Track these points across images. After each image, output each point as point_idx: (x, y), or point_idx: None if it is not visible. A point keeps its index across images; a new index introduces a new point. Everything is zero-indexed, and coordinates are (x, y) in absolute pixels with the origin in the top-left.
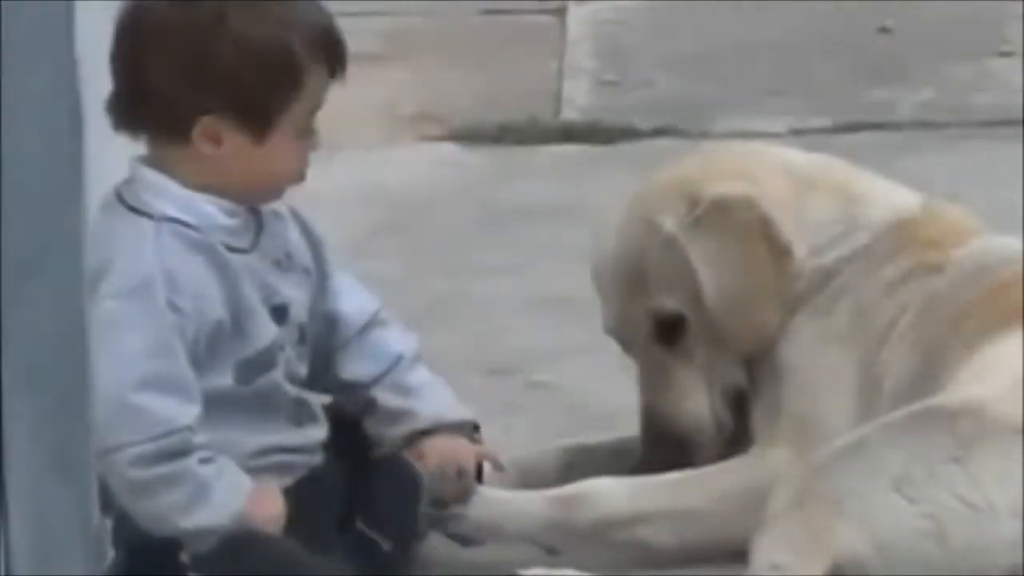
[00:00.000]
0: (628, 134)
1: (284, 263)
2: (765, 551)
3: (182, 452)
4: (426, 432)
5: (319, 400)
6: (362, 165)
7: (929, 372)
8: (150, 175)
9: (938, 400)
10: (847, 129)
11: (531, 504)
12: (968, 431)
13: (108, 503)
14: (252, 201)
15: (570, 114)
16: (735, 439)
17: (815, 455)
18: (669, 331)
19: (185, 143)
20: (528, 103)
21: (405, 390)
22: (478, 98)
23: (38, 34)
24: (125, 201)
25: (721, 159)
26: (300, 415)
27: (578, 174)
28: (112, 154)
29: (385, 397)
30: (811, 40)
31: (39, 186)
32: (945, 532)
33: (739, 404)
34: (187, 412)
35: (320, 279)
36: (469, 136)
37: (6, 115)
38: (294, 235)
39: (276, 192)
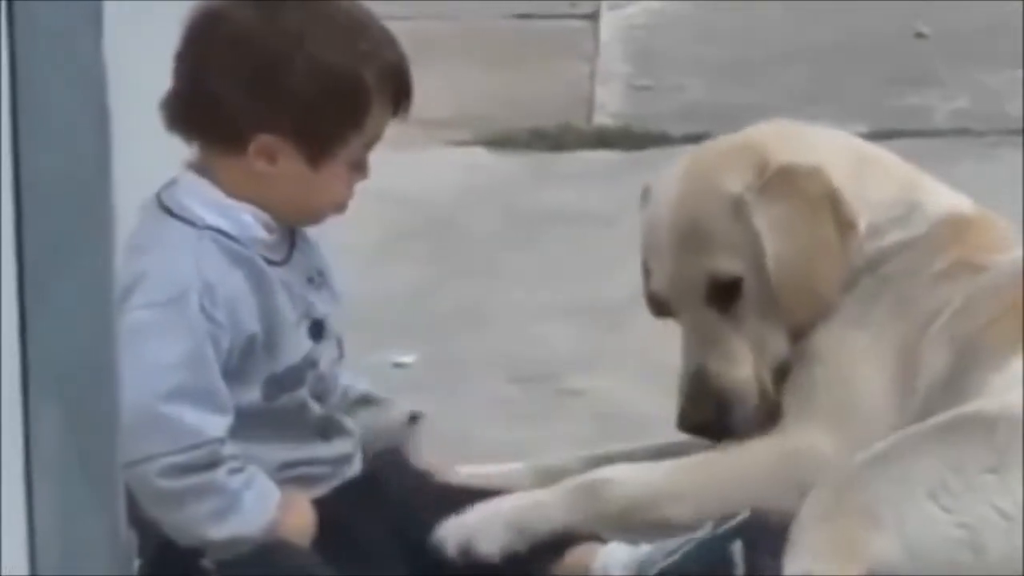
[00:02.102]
0: (661, 140)
1: (316, 280)
2: (798, 560)
3: (211, 464)
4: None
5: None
6: (392, 170)
7: (960, 373)
8: (195, 181)
9: (973, 408)
10: (881, 136)
11: (551, 497)
12: (1004, 440)
13: (132, 511)
14: (289, 222)
15: (602, 119)
16: (774, 411)
17: (848, 464)
18: (724, 294)
19: (238, 155)
20: (560, 108)
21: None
22: (509, 103)
23: (64, 28)
24: (167, 206)
25: (789, 132)
26: (328, 430)
27: (610, 180)
28: (141, 153)
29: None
30: (846, 46)
31: (65, 186)
32: (980, 542)
33: (781, 377)
34: (217, 423)
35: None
36: (500, 141)
37: (30, 113)
38: (324, 253)
39: (315, 219)
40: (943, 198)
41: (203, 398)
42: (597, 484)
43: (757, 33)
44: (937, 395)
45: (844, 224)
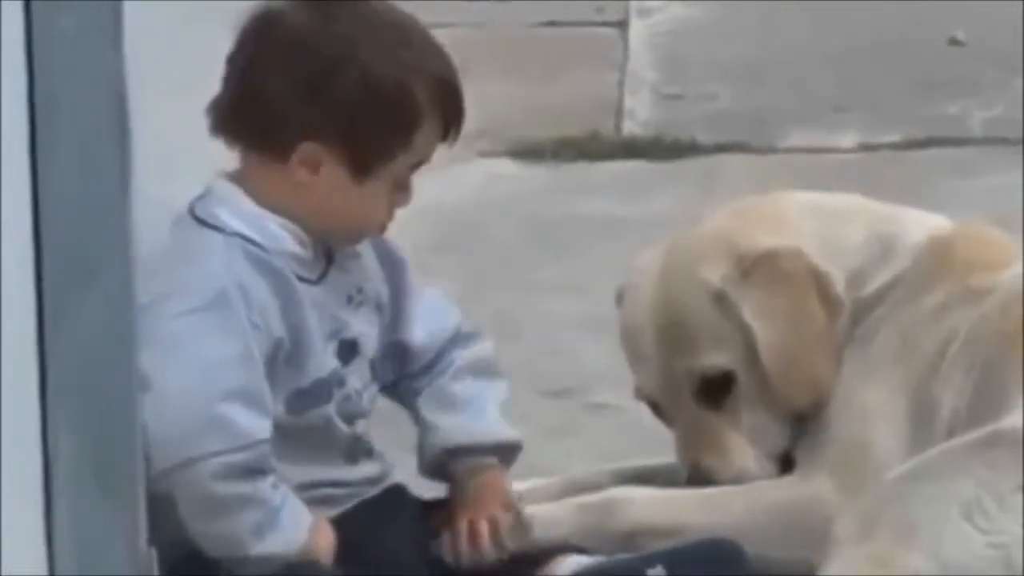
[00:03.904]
0: (691, 149)
1: (355, 298)
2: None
3: (261, 470)
4: (453, 453)
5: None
6: (418, 181)
7: (987, 396)
8: (226, 189)
9: (1007, 424)
10: (916, 144)
11: (563, 511)
12: None
13: (153, 528)
14: (326, 238)
15: (631, 128)
16: None
17: (880, 481)
18: (715, 390)
19: (280, 163)
20: (588, 117)
21: (442, 400)
22: (537, 112)
23: (82, 40)
24: (198, 216)
25: (751, 210)
26: (354, 451)
27: (640, 190)
28: (162, 163)
29: (425, 408)
30: (880, 53)
31: (83, 202)
32: (1013, 561)
33: (782, 465)
34: (265, 425)
35: (395, 307)
36: (528, 151)
37: (48, 122)
38: (369, 266)
39: (353, 237)
40: (919, 224)
41: (253, 398)
42: (610, 502)
43: (788, 40)
44: (963, 428)
45: (830, 302)
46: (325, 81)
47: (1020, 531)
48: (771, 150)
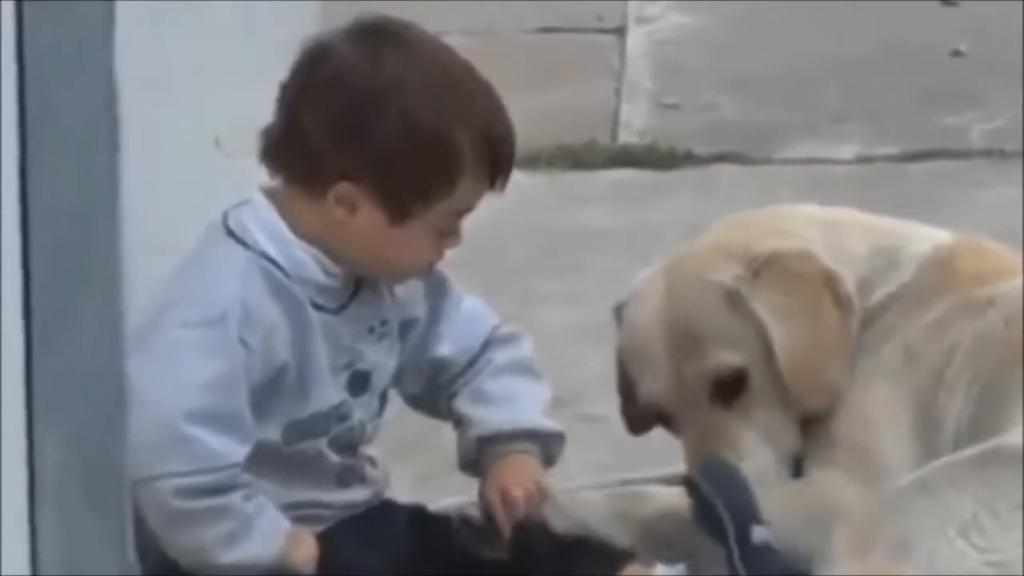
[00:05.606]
0: (687, 159)
1: (377, 330)
2: None
3: (228, 488)
4: (489, 442)
5: (373, 462)
6: None
7: (989, 412)
8: (263, 207)
9: (1005, 441)
10: (916, 157)
11: (591, 500)
12: None
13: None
14: (362, 274)
15: (628, 138)
16: None
17: (878, 495)
18: (728, 390)
19: (318, 199)
20: (585, 126)
21: (479, 396)
22: (533, 120)
23: (75, 43)
24: (228, 225)
25: (753, 221)
26: (346, 478)
27: (636, 200)
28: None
29: (462, 404)
30: (880, 64)
31: (73, 207)
32: None
33: (793, 468)
34: (238, 451)
35: (429, 328)
36: (524, 160)
37: (38, 136)
38: (411, 292)
39: (393, 278)
40: (921, 237)
41: (228, 422)
42: (641, 491)
43: (787, 50)
44: (967, 440)
45: (842, 303)
46: (363, 121)
47: (1018, 549)
48: (768, 161)
